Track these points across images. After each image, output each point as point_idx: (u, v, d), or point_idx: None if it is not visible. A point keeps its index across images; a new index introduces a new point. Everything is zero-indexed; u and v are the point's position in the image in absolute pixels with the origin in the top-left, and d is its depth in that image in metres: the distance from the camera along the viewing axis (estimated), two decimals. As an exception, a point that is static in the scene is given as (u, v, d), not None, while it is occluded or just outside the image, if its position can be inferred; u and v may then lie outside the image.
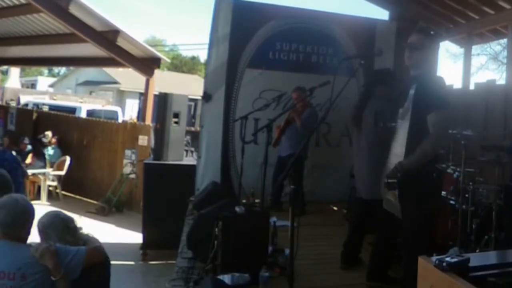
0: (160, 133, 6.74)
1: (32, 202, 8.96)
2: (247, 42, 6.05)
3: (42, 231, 2.56)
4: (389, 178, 2.89)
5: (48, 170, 9.75)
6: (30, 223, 2.44)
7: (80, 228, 2.74)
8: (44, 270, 2.32)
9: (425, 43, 2.95)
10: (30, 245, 2.43)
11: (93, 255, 2.60)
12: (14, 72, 26.14)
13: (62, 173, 9.79)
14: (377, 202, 3.52)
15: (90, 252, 2.58)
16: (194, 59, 42.25)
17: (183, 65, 41.05)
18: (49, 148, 10.30)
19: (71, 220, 2.70)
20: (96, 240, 2.77)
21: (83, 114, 14.14)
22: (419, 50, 2.94)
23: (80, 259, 2.48)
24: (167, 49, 39.28)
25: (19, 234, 2.39)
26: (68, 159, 9.93)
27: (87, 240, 2.71)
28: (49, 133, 10.47)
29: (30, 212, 2.45)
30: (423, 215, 2.89)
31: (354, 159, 4.11)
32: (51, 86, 29.25)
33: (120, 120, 14.12)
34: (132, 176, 9.07)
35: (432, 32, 3.15)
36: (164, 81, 18.34)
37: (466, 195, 4.02)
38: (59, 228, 2.59)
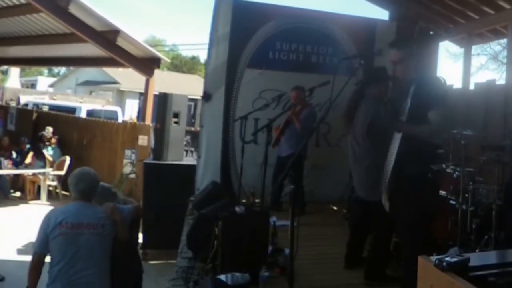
0: (160, 133, 6.74)
1: (32, 202, 8.96)
2: (247, 42, 6.05)
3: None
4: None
5: (48, 170, 9.75)
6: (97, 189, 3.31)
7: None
8: (112, 223, 3.21)
9: (402, 56, 3.00)
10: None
11: (137, 211, 3.65)
12: (14, 72, 26.12)
13: (62, 173, 9.79)
14: (373, 203, 3.52)
15: (135, 209, 3.59)
16: (194, 59, 42.24)
17: (183, 65, 41.03)
18: (49, 148, 10.30)
19: (111, 188, 3.70)
20: (133, 201, 3.91)
21: (83, 114, 14.15)
22: (401, 63, 2.98)
23: (130, 214, 3.45)
24: (167, 49, 39.30)
25: (91, 197, 3.22)
26: (68, 159, 9.94)
27: (125, 201, 3.79)
28: (49, 128, 10.47)
29: (98, 181, 3.33)
30: (413, 216, 2.89)
31: (349, 158, 4.09)
32: (51, 86, 29.23)
33: (120, 120, 14.11)
34: (132, 176, 9.06)
35: (404, 40, 3.22)
36: (164, 81, 18.33)
37: (466, 195, 4.02)
38: (107, 195, 3.47)
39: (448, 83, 6.66)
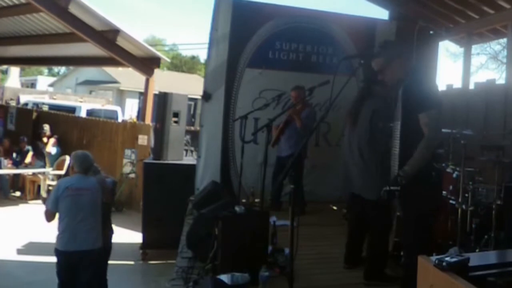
0: (160, 132, 6.74)
1: (32, 201, 9.01)
2: (247, 41, 6.05)
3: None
4: (391, 186, 2.88)
5: (48, 169, 9.75)
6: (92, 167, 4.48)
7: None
8: (101, 188, 4.37)
9: (384, 62, 3.06)
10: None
11: (114, 182, 5.20)
12: (14, 71, 26.11)
13: (62, 172, 9.78)
14: (367, 201, 3.52)
15: (113, 181, 5.07)
16: (194, 58, 42.23)
17: (183, 64, 41.01)
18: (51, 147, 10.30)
19: (97, 166, 4.66)
20: (110, 176, 5.39)
21: (83, 114, 14.14)
22: (386, 69, 3.03)
23: (111, 184, 4.88)
24: (166, 48, 39.33)
25: (88, 172, 4.34)
26: (67, 158, 9.92)
27: (106, 176, 4.94)
28: (46, 126, 10.46)
29: (93, 160, 4.46)
30: (421, 215, 2.89)
31: (343, 154, 4.04)
32: (51, 85, 29.24)
33: (120, 120, 14.11)
34: (132, 175, 9.07)
35: (386, 46, 3.22)
36: (164, 80, 18.34)
37: (466, 195, 4.01)
38: (96, 171, 4.52)
39: (448, 82, 6.68)
